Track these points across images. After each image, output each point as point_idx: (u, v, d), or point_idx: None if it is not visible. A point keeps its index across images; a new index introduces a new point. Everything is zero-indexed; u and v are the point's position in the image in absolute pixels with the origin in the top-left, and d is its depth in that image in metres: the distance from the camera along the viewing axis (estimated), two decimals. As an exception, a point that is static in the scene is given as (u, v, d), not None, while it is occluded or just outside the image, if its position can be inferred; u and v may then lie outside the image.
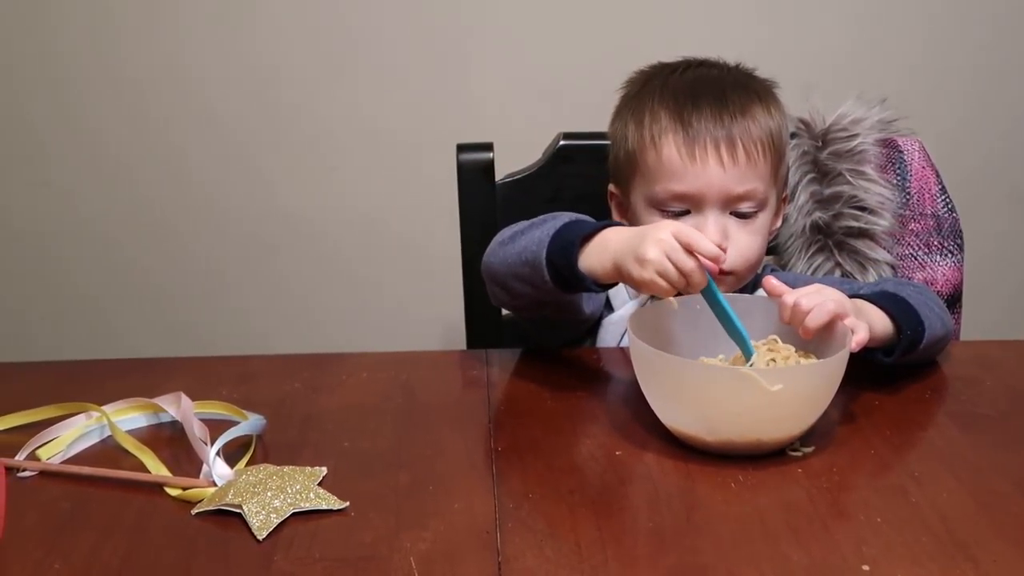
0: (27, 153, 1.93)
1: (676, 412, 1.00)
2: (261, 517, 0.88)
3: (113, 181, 1.95)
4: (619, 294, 1.30)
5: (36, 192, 1.94)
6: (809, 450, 1.00)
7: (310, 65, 1.91)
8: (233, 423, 1.04)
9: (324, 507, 0.90)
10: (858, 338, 1.01)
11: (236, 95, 1.91)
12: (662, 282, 1.02)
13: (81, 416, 1.06)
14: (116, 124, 1.93)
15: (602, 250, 1.07)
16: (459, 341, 1.51)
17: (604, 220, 1.12)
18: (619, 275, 1.06)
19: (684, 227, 1.04)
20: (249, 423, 1.03)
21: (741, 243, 1.22)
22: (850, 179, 1.39)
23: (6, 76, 1.91)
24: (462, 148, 1.43)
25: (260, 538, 0.86)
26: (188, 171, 1.94)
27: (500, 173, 1.44)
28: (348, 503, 0.91)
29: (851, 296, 1.06)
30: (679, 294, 1.13)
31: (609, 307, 1.30)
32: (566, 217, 1.14)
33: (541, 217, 1.17)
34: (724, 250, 1.18)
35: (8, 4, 1.88)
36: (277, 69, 1.91)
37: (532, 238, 1.13)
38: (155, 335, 1.96)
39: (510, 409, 1.10)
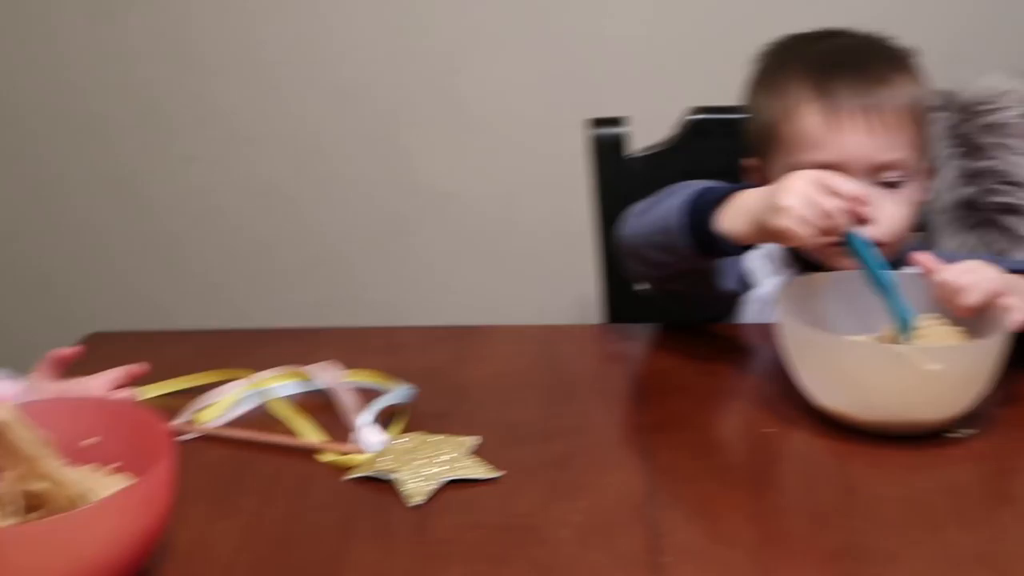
0: (174, 129, 1.98)
1: (828, 391, 0.99)
2: (415, 484, 0.90)
3: (250, 157, 1.99)
4: (761, 271, 1.28)
5: (182, 166, 1.98)
6: (970, 432, 0.97)
7: (444, 40, 1.91)
8: (383, 392, 1.06)
9: (477, 476, 0.91)
10: (1018, 317, 0.97)
11: (375, 72, 1.93)
12: (802, 229, 0.99)
13: (237, 382, 1.09)
14: (249, 101, 1.96)
15: (739, 209, 1.06)
16: (592, 318, 1.51)
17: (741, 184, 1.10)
18: (758, 231, 1.04)
19: (824, 172, 1.02)
20: (399, 392, 1.05)
21: (887, 213, 1.19)
22: (998, 153, 1.35)
23: (142, 52, 1.95)
24: (593, 123, 1.43)
25: (415, 505, 0.88)
26: (329, 147, 1.97)
27: (632, 148, 1.43)
28: (501, 473, 0.92)
29: (1008, 273, 1.03)
30: (819, 270, 1.11)
31: (750, 285, 1.29)
32: (702, 183, 1.13)
33: (675, 186, 1.16)
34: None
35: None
36: (413, 45, 1.92)
37: (668, 205, 1.12)
38: (299, 310, 1.99)
39: (654, 384, 1.10)
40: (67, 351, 1.00)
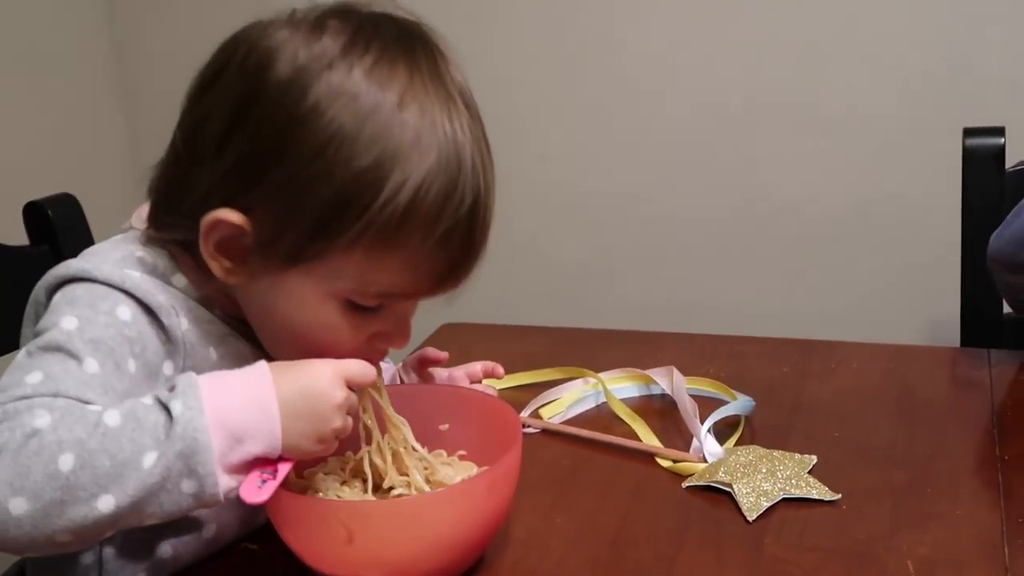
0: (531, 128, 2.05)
1: None
2: (751, 499, 0.88)
3: (606, 158, 2.02)
4: None
5: (537, 166, 2.05)
6: None
7: (805, 40, 1.86)
8: (722, 401, 1.05)
9: (815, 496, 0.89)
10: None
11: (723, 73, 1.92)
12: None
13: (579, 381, 1.12)
14: (607, 102, 2.00)
15: None
16: (950, 338, 1.42)
17: None
18: None
19: None
20: (739, 403, 1.04)
21: None
22: None
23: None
24: (970, 132, 1.34)
25: (750, 519, 0.86)
26: (671, 149, 1.97)
27: (1011, 160, 1.33)
28: (840, 495, 0.89)
29: None
30: None
31: None
32: None
33: None
34: None
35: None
36: (768, 45, 1.88)
37: None
38: (636, 312, 2.01)
39: (1017, 415, 1.02)
40: (437, 354, 1.06)
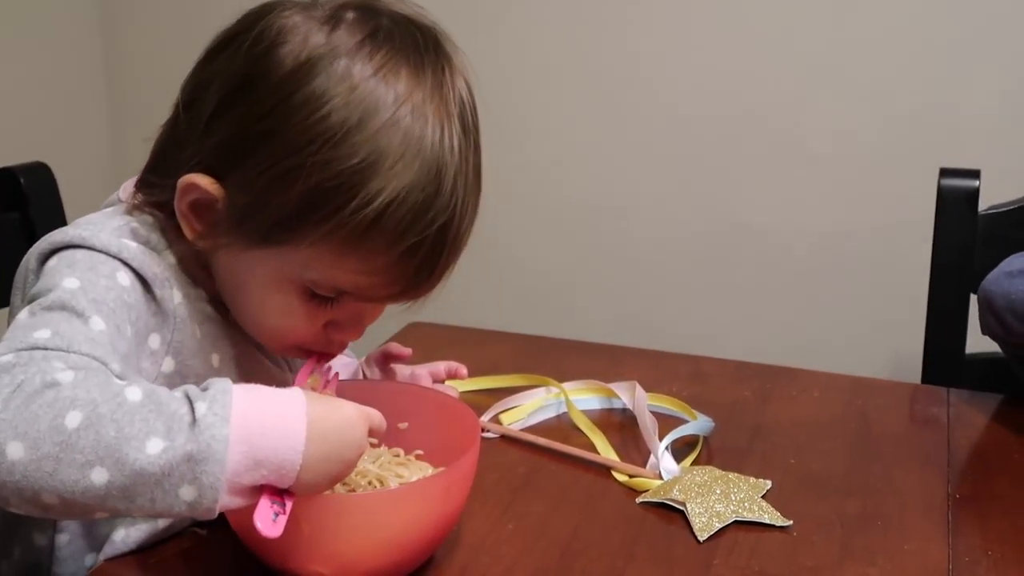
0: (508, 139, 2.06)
1: None
2: (703, 519, 0.89)
3: (591, 173, 2.03)
4: None
5: (516, 173, 2.06)
6: None
7: (788, 72, 1.88)
8: (682, 420, 1.05)
9: (767, 521, 0.89)
10: None
11: (712, 100, 1.92)
12: None
13: (541, 389, 1.12)
14: (590, 114, 2.00)
15: None
16: (909, 373, 1.44)
17: None
18: None
19: None
20: (698, 423, 1.04)
21: None
22: None
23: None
24: (946, 173, 1.35)
25: (701, 539, 0.87)
26: (653, 172, 1.98)
27: (984, 203, 1.34)
28: (791, 522, 0.89)
29: None
30: None
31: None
32: None
33: None
34: None
35: None
36: (751, 74, 1.90)
37: None
38: (605, 326, 2.01)
39: (972, 455, 1.03)
40: (400, 349, 1.05)
